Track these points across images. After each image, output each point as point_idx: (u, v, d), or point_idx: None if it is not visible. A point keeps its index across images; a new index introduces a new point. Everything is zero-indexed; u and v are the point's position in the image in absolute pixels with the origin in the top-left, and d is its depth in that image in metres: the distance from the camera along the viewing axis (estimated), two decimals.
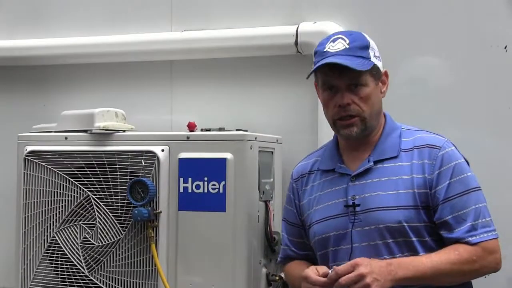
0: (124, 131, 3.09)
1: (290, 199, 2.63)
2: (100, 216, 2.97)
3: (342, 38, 2.40)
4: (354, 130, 2.39)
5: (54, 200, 3.06)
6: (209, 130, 2.96)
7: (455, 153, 2.39)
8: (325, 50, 2.39)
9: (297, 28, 3.19)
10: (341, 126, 2.41)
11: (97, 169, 2.98)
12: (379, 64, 2.42)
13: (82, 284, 3.01)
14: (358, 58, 2.36)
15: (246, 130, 2.94)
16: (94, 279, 2.99)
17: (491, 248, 2.33)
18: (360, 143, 2.45)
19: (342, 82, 2.37)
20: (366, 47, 2.39)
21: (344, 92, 2.37)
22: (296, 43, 3.18)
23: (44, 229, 3.08)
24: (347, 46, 2.38)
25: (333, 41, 2.41)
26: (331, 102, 2.40)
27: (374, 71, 2.40)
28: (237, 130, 2.94)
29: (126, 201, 2.92)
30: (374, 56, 2.41)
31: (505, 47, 3.03)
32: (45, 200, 3.07)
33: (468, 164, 2.42)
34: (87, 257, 3.00)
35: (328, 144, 2.60)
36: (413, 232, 2.34)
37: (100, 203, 2.97)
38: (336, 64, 2.33)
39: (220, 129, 2.95)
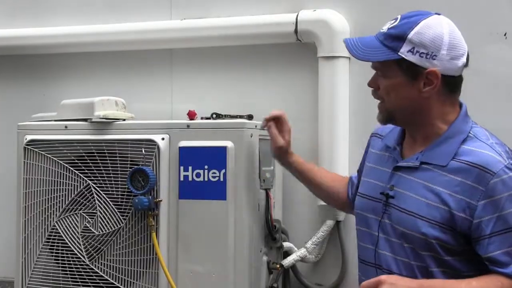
0: (124, 119, 3.09)
1: (365, 151, 2.61)
2: (100, 205, 2.97)
3: (396, 19, 2.27)
4: (379, 116, 2.33)
5: (54, 189, 3.06)
6: (209, 118, 2.96)
7: (511, 181, 2.15)
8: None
9: (297, 16, 3.18)
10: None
11: (97, 158, 2.98)
12: (419, 61, 2.20)
13: (82, 273, 3.01)
14: (381, 47, 2.23)
15: (251, 116, 2.95)
16: (94, 268, 2.99)
17: None
18: (417, 133, 2.32)
19: (372, 64, 2.31)
20: (401, 38, 2.20)
21: (374, 74, 2.31)
22: (296, 31, 3.17)
23: (45, 218, 3.08)
24: (385, 31, 2.26)
25: (393, 18, 2.29)
26: None
27: (402, 65, 2.21)
28: (239, 116, 2.95)
29: (126, 190, 2.92)
30: (411, 51, 2.20)
31: (505, 34, 3.02)
32: (45, 189, 3.07)
33: None
34: (88, 246, 3.00)
35: None
36: (429, 248, 2.21)
37: (101, 192, 2.97)
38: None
39: (217, 115, 2.95)
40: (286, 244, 3.12)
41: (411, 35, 2.20)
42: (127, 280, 2.94)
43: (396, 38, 2.21)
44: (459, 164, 2.19)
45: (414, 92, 2.23)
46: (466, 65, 2.29)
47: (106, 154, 2.97)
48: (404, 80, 2.23)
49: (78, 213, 3.02)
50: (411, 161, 2.28)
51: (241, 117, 2.99)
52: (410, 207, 2.23)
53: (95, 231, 2.99)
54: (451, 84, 2.27)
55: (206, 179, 2.84)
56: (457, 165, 2.19)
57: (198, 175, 2.85)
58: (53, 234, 3.07)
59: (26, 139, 3.11)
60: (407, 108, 2.26)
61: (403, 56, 2.20)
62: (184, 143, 2.88)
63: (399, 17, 2.26)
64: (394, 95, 2.25)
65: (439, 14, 2.29)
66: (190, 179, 2.86)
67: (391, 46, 2.21)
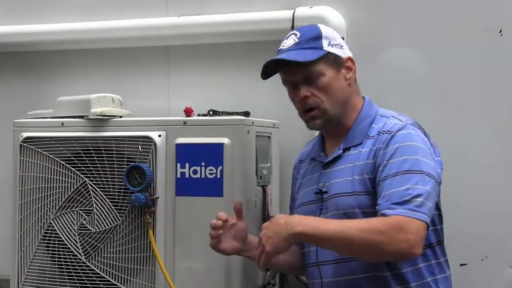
0: (120, 116, 3.08)
1: (292, 184, 2.71)
2: (97, 202, 2.97)
3: (294, 33, 2.45)
4: (317, 122, 2.44)
5: (50, 186, 3.05)
6: (206, 115, 2.96)
7: (405, 136, 2.32)
8: (279, 48, 2.45)
9: (293, 12, 3.18)
10: (305, 119, 2.46)
11: (93, 155, 2.98)
12: (338, 51, 2.44)
13: (79, 271, 3.01)
14: (307, 50, 2.39)
15: (248, 113, 2.94)
16: (91, 266, 2.99)
17: (405, 225, 2.15)
18: (337, 131, 2.47)
19: (297, 77, 2.42)
20: (318, 37, 2.42)
21: (301, 86, 2.41)
22: (292, 27, 3.17)
23: (41, 215, 3.07)
24: (297, 40, 2.42)
25: (287, 38, 2.46)
26: (295, 97, 2.46)
27: (329, 59, 2.41)
28: (236, 113, 2.95)
29: (123, 187, 2.91)
30: (330, 44, 2.43)
31: (500, 31, 3.03)
32: (42, 187, 3.07)
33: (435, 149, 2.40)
34: (84, 244, 3.00)
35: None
36: (366, 217, 2.28)
37: (97, 189, 2.97)
38: (282, 61, 2.39)
39: (213, 112, 2.96)
40: None
41: (323, 32, 2.44)
42: (124, 278, 2.94)
43: (314, 39, 2.42)
44: (372, 139, 2.39)
45: (342, 82, 2.43)
46: None
47: (103, 151, 2.96)
48: (333, 73, 2.41)
49: (75, 210, 3.02)
50: (334, 154, 2.44)
51: (238, 114, 2.99)
52: (340, 189, 2.37)
53: (91, 229, 2.98)
54: (355, 72, 2.49)
55: (203, 176, 2.84)
56: (370, 140, 2.39)
57: (195, 172, 2.85)
58: (50, 231, 3.06)
59: (22, 136, 3.10)
60: (341, 101, 2.43)
61: (328, 50, 2.41)
62: (181, 140, 2.88)
63: (295, 32, 2.47)
64: (331, 91, 2.42)
65: None
66: (187, 176, 2.86)
67: (315, 46, 2.41)
